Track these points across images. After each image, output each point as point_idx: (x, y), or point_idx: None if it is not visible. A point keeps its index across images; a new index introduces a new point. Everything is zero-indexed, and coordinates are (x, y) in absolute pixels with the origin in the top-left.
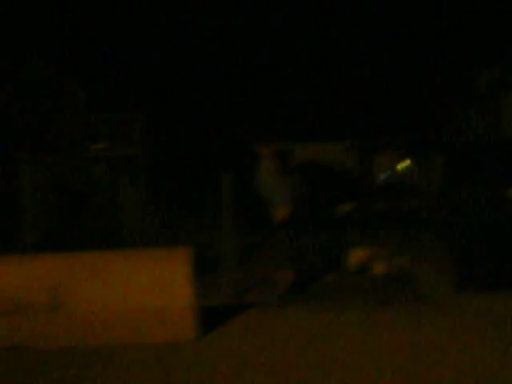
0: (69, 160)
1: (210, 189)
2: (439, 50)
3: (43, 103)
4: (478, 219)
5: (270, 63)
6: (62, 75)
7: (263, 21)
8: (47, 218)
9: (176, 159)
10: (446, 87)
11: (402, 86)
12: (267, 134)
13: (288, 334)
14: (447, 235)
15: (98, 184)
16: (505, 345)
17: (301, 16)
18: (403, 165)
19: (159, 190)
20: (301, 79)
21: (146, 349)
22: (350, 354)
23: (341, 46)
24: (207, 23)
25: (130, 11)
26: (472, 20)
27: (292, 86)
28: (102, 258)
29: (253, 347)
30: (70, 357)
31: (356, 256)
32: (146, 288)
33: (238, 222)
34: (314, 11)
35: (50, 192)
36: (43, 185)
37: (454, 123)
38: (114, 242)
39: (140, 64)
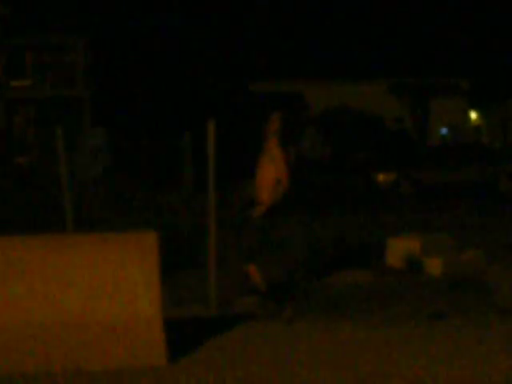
0: None
1: (182, 144)
2: None
3: None
4: None
5: None
6: None
7: None
8: None
9: (133, 104)
10: None
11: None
12: (268, 71)
13: (294, 360)
14: None
15: (21, 138)
16: None
17: None
18: (471, 116)
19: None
20: None
21: (93, 378)
22: None
23: None
24: None
25: None
26: None
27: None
28: (20, 245)
29: (244, 378)
30: None
31: (401, 248)
32: (87, 291)
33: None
34: None
35: None
36: None
37: None
38: (45, 222)
39: None
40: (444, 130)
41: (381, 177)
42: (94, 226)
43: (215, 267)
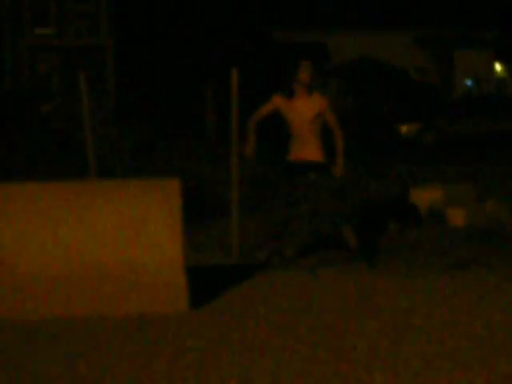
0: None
1: (205, 92)
2: None
3: None
4: None
5: None
6: None
7: None
8: None
9: (156, 52)
10: None
11: None
12: (290, 20)
13: (315, 308)
14: None
15: (44, 85)
16: None
17: None
18: (497, 68)
19: (132, 97)
20: None
21: (115, 323)
22: (408, 341)
23: None
24: None
25: None
26: None
27: None
28: (47, 191)
29: (265, 325)
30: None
31: (424, 198)
32: (110, 238)
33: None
34: None
35: None
36: None
37: None
38: (68, 169)
39: None
40: (469, 82)
41: (404, 128)
42: (117, 173)
43: (238, 216)
